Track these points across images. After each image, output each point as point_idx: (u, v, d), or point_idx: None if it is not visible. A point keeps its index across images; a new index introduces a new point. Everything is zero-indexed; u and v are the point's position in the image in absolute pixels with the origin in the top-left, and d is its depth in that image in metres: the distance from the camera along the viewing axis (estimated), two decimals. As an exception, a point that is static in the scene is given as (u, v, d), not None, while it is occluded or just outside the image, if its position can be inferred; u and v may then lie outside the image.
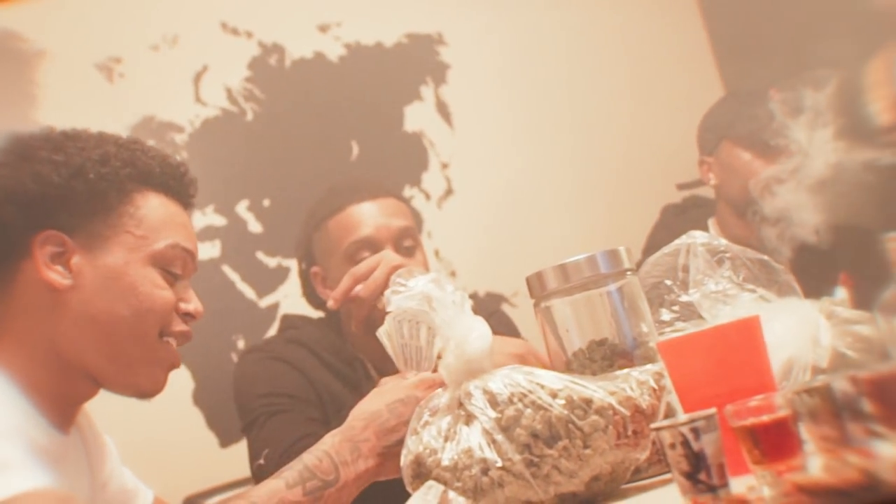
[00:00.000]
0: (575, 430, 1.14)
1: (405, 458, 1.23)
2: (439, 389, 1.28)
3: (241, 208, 2.80)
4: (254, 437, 1.83)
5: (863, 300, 1.48)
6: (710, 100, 2.52)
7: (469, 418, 1.19)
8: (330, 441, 1.33)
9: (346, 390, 1.88)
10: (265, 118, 2.86)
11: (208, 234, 2.72)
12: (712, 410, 0.98)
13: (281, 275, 2.79)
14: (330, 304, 1.79)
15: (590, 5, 3.12)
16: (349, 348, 1.95)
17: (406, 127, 2.97)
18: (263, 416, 1.82)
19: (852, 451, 0.91)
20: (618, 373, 1.24)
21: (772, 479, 0.95)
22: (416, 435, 1.23)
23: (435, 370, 1.36)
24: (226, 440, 2.66)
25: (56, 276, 1.24)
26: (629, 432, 1.16)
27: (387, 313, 1.37)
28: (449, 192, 2.96)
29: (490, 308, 2.25)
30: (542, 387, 1.17)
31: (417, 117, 2.98)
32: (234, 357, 2.68)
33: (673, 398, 1.20)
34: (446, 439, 1.19)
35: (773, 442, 0.96)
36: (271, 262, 2.80)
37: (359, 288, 1.75)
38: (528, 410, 1.15)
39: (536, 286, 1.38)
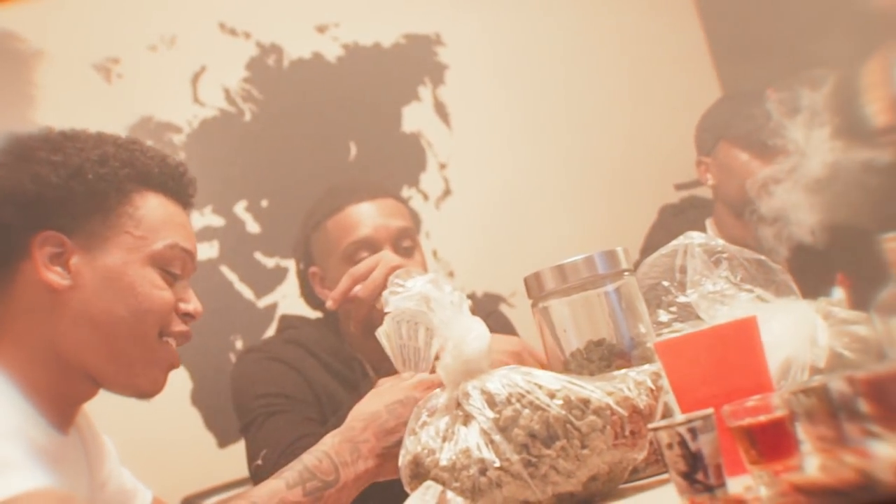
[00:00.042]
0: (573, 431, 1.14)
1: (403, 459, 1.23)
2: (437, 390, 1.28)
3: (240, 209, 2.80)
4: (252, 437, 1.83)
5: (860, 300, 1.48)
6: (708, 100, 2.52)
7: (467, 418, 1.19)
8: (330, 442, 1.33)
9: (344, 390, 1.88)
10: (263, 119, 2.86)
11: (206, 234, 2.72)
12: (709, 411, 0.98)
13: (279, 275, 2.79)
14: (329, 304, 1.80)
15: (587, 6, 3.12)
16: (347, 349, 1.95)
17: (404, 127, 2.97)
18: (261, 417, 1.82)
19: (849, 450, 0.92)
20: (615, 373, 1.24)
21: (769, 478, 0.96)
22: (414, 435, 1.23)
23: (432, 371, 1.37)
24: (224, 440, 2.66)
25: (55, 276, 1.24)
26: (627, 432, 1.16)
27: (385, 314, 1.37)
28: (447, 192, 2.96)
29: (488, 308, 2.25)
30: (540, 387, 1.17)
31: (415, 118, 2.98)
32: (233, 357, 2.68)
33: (670, 398, 1.20)
34: (444, 439, 1.19)
35: (770, 442, 0.96)
36: (269, 262, 2.80)
37: (357, 288, 1.76)
38: (526, 411, 1.15)
39: (534, 286, 1.38)
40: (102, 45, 2.75)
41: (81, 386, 1.28)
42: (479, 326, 1.24)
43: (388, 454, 1.31)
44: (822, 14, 2.46)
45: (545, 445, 1.14)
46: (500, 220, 2.93)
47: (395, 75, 2.98)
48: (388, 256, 1.81)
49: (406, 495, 1.19)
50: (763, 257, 1.45)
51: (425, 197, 2.95)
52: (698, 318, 1.39)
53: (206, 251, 2.71)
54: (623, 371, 1.24)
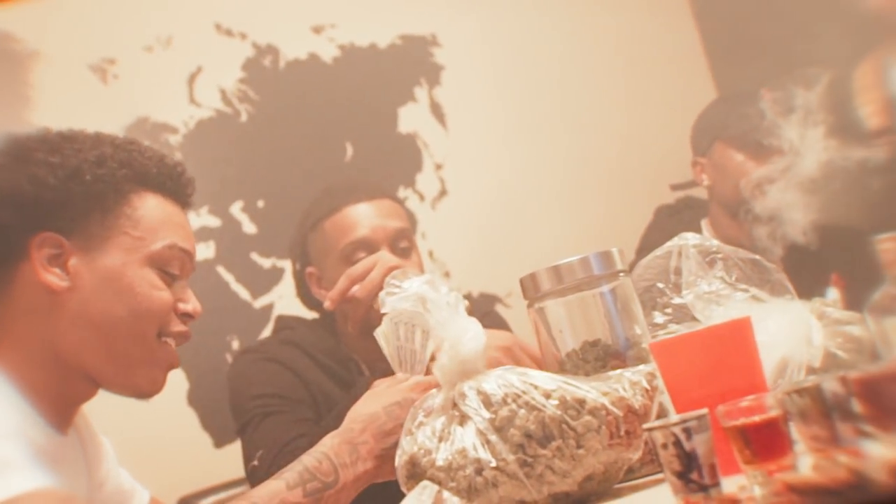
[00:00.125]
0: (568, 431, 1.15)
1: (400, 459, 1.23)
2: (434, 390, 1.28)
3: (236, 209, 2.80)
4: (248, 437, 1.83)
5: (854, 301, 1.49)
6: (703, 101, 2.53)
7: (463, 419, 1.19)
8: (329, 443, 1.34)
9: (340, 391, 1.88)
10: (259, 119, 2.86)
11: (203, 235, 2.72)
12: (704, 411, 0.99)
13: (275, 276, 2.79)
14: (326, 304, 1.80)
15: (583, 7, 3.13)
16: (343, 349, 1.96)
17: (400, 128, 2.98)
18: (258, 417, 1.82)
19: (842, 450, 0.92)
20: (611, 373, 1.24)
21: (763, 478, 0.96)
22: (410, 435, 1.24)
23: (427, 373, 1.37)
24: (220, 440, 2.66)
25: (53, 278, 1.24)
26: (622, 432, 1.17)
27: (383, 314, 1.37)
28: (443, 192, 2.97)
29: (484, 309, 2.26)
30: (536, 387, 1.18)
31: (411, 118, 2.98)
32: (229, 358, 2.68)
33: (665, 399, 1.21)
34: (441, 440, 1.20)
35: (764, 442, 0.97)
36: (266, 263, 2.80)
37: (355, 289, 1.76)
38: (522, 411, 1.16)
39: (530, 287, 1.39)
40: (99, 46, 2.75)
41: (80, 386, 1.28)
42: (475, 327, 1.24)
43: (387, 455, 1.31)
44: (817, 14, 2.47)
45: (541, 445, 1.14)
46: (496, 220, 2.93)
47: (391, 76, 2.98)
48: (385, 257, 1.81)
49: (403, 495, 1.19)
50: (758, 257, 1.45)
51: (421, 197, 2.95)
52: (694, 319, 1.39)
53: (203, 252, 2.71)
54: (618, 371, 1.24)
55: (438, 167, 2.98)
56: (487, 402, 1.18)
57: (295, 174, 2.84)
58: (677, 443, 0.96)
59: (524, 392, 1.17)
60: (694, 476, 0.96)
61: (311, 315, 2.07)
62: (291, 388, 1.87)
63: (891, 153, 2.24)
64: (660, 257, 1.44)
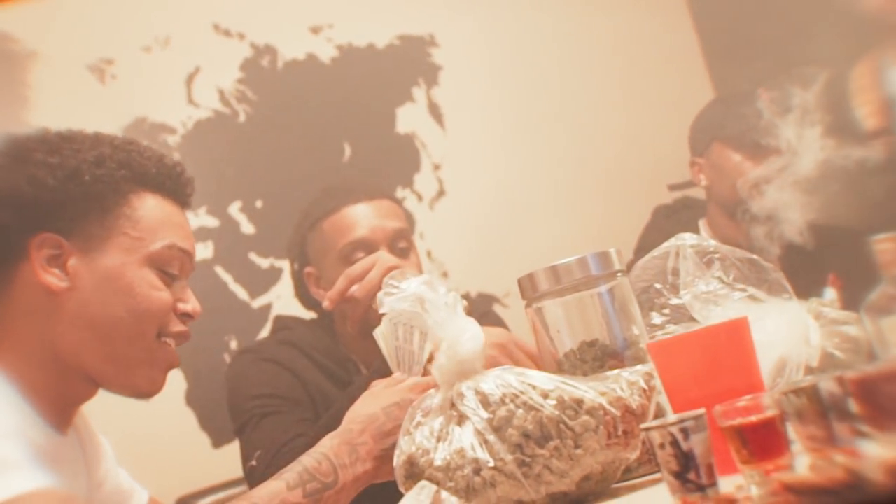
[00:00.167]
0: (566, 431, 1.15)
1: (398, 459, 1.24)
2: (432, 390, 1.29)
3: (234, 209, 2.80)
4: (246, 438, 1.83)
5: (851, 301, 1.49)
6: (701, 101, 2.53)
7: (461, 419, 1.20)
8: (328, 444, 1.34)
9: (338, 391, 1.88)
10: (257, 119, 2.86)
11: (201, 235, 2.72)
12: (701, 411, 0.99)
13: (273, 276, 2.79)
14: (325, 304, 1.80)
15: (581, 7, 3.13)
16: (342, 349, 1.96)
17: (398, 128, 2.98)
18: (256, 418, 1.83)
19: (839, 450, 0.93)
20: (608, 373, 1.25)
21: (760, 478, 0.96)
22: (408, 435, 1.24)
23: (424, 374, 1.37)
24: (218, 441, 2.66)
25: (53, 278, 1.25)
26: (619, 432, 1.17)
27: (382, 314, 1.37)
28: (441, 193, 2.97)
29: (482, 309, 2.26)
30: (534, 387, 1.18)
31: (409, 119, 2.99)
32: (227, 358, 2.68)
33: (663, 399, 1.21)
34: (439, 440, 1.20)
35: (761, 442, 0.97)
36: (264, 263, 2.80)
37: (354, 288, 1.76)
38: (520, 411, 1.16)
39: (528, 287, 1.39)
40: (96, 46, 2.75)
41: (80, 387, 1.29)
42: (473, 327, 1.25)
43: (386, 456, 1.32)
44: (815, 15, 2.47)
45: (539, 445, 1.15)
46: (494, 220, 2.94)
47: (389, 76, 2.98)
48: (384, 257, 1.81)
49: (401, 495, 1.20)
50: (755, 256, 1.45)
51: (419, 198, 2.95)
52: (691, 319, 1.40)
53: (201, 252, 2.71)
54: (616, 371, 1.24)
55: (436, 167, 2.98)
56: (485, 402, 1.18)
57: (293, 174, 2.84)
58: (675, 443, 0.96)
59: (522, 392, 1.17)
60: (691, 476, 0.96)
61: (309, 315, 2.08)
62: (289, 389, 1.87)
63: (888, 153, 2.24)
64: (657, 258, 1.44)
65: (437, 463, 1.18)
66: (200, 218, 2.74)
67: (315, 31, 2.95)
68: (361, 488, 1.34)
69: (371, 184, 2.11)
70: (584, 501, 1.19)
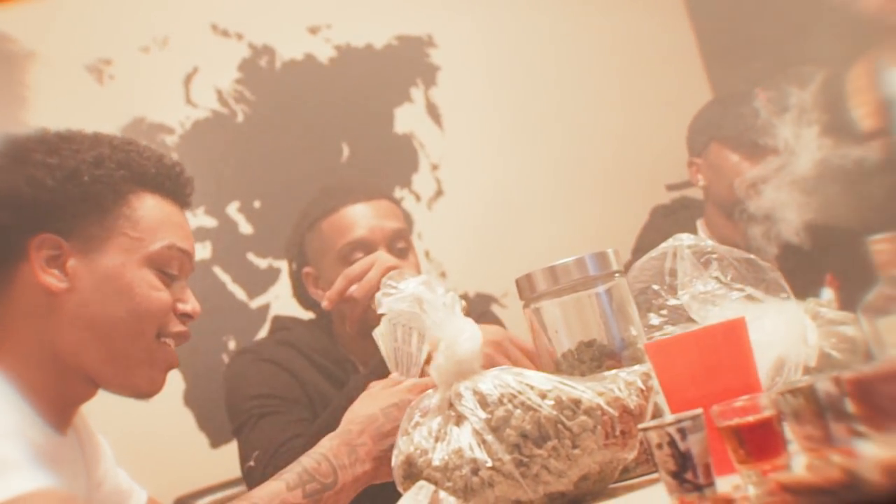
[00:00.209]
0: (564, 431, 1.15)
1: (396, 459, 1.24)
2: (430, 390, 1.29)
3: (232, 210, 2.81)
4: (244, 438, 1.83)
5: (849, 301, 1.49)
6: (699, 101, 2.54)
7: (459, 419, 1.20)
8: (328, 444, 1.34)
9: (336, 391, 1.88)
10: (255, 120, 2.87)
11: (199, 235, 2.72)
12: (698, 411, 0.99)
13: (272, 276, 2.79)
14: (324, 304, 1.80)
15: (578, 8, 3.13)
16: (340, 350, 1.96)
17: (396, 129, 2.98)
18: (254, 418, 1.83)
19: (835, 450, 0.93)
20: (606, 374, 1.25)
21: (757, 478, 0.97)
22: (407, 435, 1.24)
23: (422, 375, 1.38)
24: (217, 441, 2.67)
25: (52, 279, 1.25)
26: (617, 432, 1.17)
27: (381, 314, 1.37)
28: (439, 193, 2.97)
29: (480, 309, 2.26)
30: (532, 388, 1.18)
31: (407, 119, 2.99)
32: (225, 358, 2.68)
33: (660, 399, 1.21)
34: (437, 440, 1.20)
35: (758, 442, 0.97)
36: (262, 263, 2.80)
37: (353, 288, 1.76)
38: (518, 411, 1.16)
39: (526, 288, 1.39)
40: (94, 47, 2.75)
41: (80, 387, 1.29)
42: (471, 327, 1.25)
43: (385, 457, 1.32)
44: (812, 15, 2.48)
45: (536, 445, 1.15)
46: (491, 220, 2.94)
47: (387, 77, 2.98)
48: (383, 257, 1.81)
49: (399, 495, 1.20)
50: (752, 256, 1.45)
51: (417, 198, 2.96)
52: (689, 320, 1.40)
53: (199, 252, 2.71)
54: (613, 372, 1.24)
55: (434, 167, 2.98)
56: (483, 402, 1.18)
57: (291, 175, 2.85)
58: (672, 443, 0.97)
59: (520, 392, 1.18)
60: (689, 476, 0.96)
61: (307, 315, 2.08)
62: (288, 389, 1.87)
63: (885, 154, 2.25)
64: (654, 259, 1.44)
65: (436, 463, 1.18)
66: (198, 218, 2.74)
67: (313, 31, 2.95)
68: (360, 489, 1.35)
69: (370, 184, 2.11)
70: (582, 501, 1.20)
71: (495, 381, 1.20)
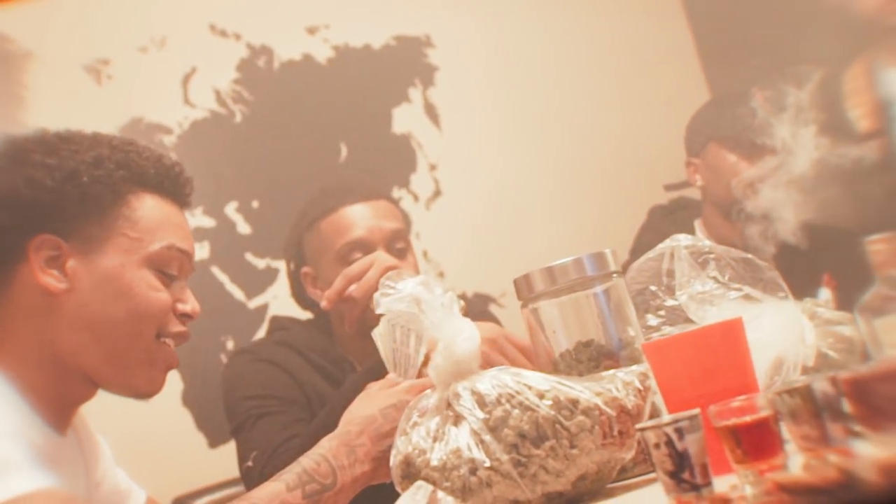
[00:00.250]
0: (562, 431, 1.15)
1: (394, 459, 1.24)
2: (428, 391, 1.29)
3: (230, 210, 2.81)
4: (242, 438, 1.84)
5: (846, 301, 1.49)
6: (696, 101, 2.54)
7: (457, 419, 1.20)
8: (327, 445, 1.34)
9: (335, 391, 1.88)
10: (254, 120, 2.87)
11: (197, 235, 2.72)
12: (696, 411, 0.99)
13: (270, 276, 2.79)
14: (323, 304, 1.80)
15: (576, 8, 3.13)
16: (338, 350, 1.96)
17: (394, 129, 2.98)
18: (252, 419, 1.83)
19: (832, 450, 0.93)
20: (604, 374, 1.25)
21: (754, 477, 0.97)
22: (405, 435, 1.24)
23: (419, 377, 1.38)
24: (215, 441, 2.67)
25: (51, 280, 1.25)
26: (615, 432, 1.17)
27: (380, 314, 1.38)
28: (437, 193, 2.97)
29: (478, 309, 2.27)
30: (530, 388, 1.19)
31: (405, 119, 2.99)
32: (224, 358, 2.68)
33: (658, 399, 1.22)
34: (435, 440, 1.20)
35: (755, 441, 0.98)
36: (260, 263, 2.80)
37: (352, 288, 1.77)
38: (516, 411, 1.17)
39: (524, 288, 1.39)
40: (93, 47, 2.75)
41: (79, 387, 1.29)
42: (469, 328, 1.25)
43: (384, 458, 1.32)
44: (810, 15, 2.48)
45: (535, 445, 1.15)
46: (490, 220, 2.94)
47: (385, 77, 2.98)
48: (382, 257, 1.82)
49: (397, 495, 1.20)
50: (750, 256, 1.46)
51: (416, 198, 2.96)
52: (687, 321, 1.40)
53: (198, 252, 2.71)
54: (611, 372, 1.25)
55: (433, 168, 2.98)
56: (481, 402, 1.19)
57: (289, 175, 2.85)
58: (669, 442, 0.97)
59: (518, 392, 1.18)
60: (686, 475, 0.96)
61: (305, 315, 2.08)
62: (286, 389, 1.87)
63: (881, 154, 2.25)
64: (652, 260, 1.45)
65: (434, 463, 1.18)
66: (197, 218, 2.74)
67: (311, 31, 2.95)
68: (359, 490, 1.35)
69: (369, 184, 2.11)
70: (580, 501, 1.20)
71: (493, 382, 1.20)
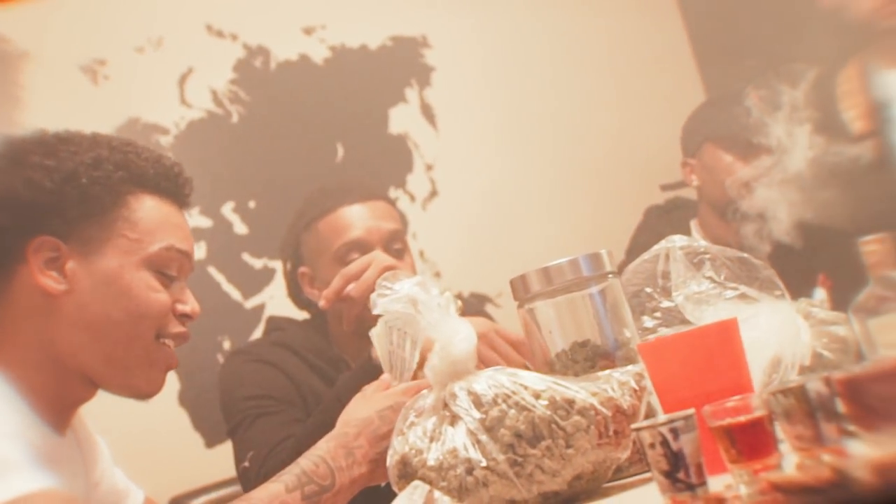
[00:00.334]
0: (558, 430, 1.16)
1: (391, 459, 1.24)
2: (425, 391, 1.29)
3: (227, 210, 2.81)
4: (239, 439, 1.84)
5: (841, 301, 1.50)
6: (692, 101, 2.54)
7: (454, 419, 1.20)
8: (325, 446, 1.35)
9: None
10: (250, 120, 2.87)
11: (194, 235, 2.68)
12: (691, 411, 1.00)
13: (266, 276, 2.79)
14: (321, 303, 1.81)
15: (572, 8, 3.14)
16: (334, 350, 1.97)
17: (391, 129, 2.98)
18: (249, 419, 1.83)
19: (826, 449, 0.94)
20: (600, 374, 1.25)
21: (748, 477, 0.97)
22: (401, 436, 1.25)
23: (414, 378, 1.38)
24: (211, 441, 2.67)
25: (51, 281, 1.25)
26: (610, 432, 1.18)
27: (377, 314, 1.38)
28: (433, 193, 2.98)
29: (474, 309, 2.27)
30: (526, 388, 1.19)
31: (402, 119, 2.99)
32: (220, 358, 2.68)
33: (653, 399, 1.22)
34: (431, 440, 1.21)
35: (750, 441, 0.98)
36: (257, 263, 2.80)
37: (350, 287, 1.77)
38: (512, 411, 1.17)
39: (520, 288, 1.40)
40: (89, 47, 2.75)
41: (79, 388, 1.29)
42: (465, 328, 1.25)
43: (381, 459, 1.32)
44: (805, 15, 2.48)
45: (531, 445, 1.15)
46: (486, 220, 2.94)
47: (381, 77, 2.99)
48: (380, 256, 1.82)
49: (394, 495, 1.20)
50: (745, 255, 1.46)
51: (412, 198, 2.96)
52: (683, 322, 1.40)
53: (195, 252, 2.71)
54: (607, 372, 1.25)
55: (429, 168, 2.99)
56: (478, 402, 1.19)
57: (286, 175, 2.85)
58: (665, 442, 0.97)
59: (514, 392, 1.18)
60: (681, 475, 0.97)
61: (302, 316, 2.08)
62: (282, 390, 1.87)
63: (876, 155, 2.26)
64: (647, 261, 1.45)
65: (430, 463, 1.19)
66: (194, 218, 2.72)
67: (308, 31, 2.95)
68: (357, 491, 1.35)
69: (367, 185, 2.11)
70: (576, 501, 1.20)
71: (490, 382, 1.21)
